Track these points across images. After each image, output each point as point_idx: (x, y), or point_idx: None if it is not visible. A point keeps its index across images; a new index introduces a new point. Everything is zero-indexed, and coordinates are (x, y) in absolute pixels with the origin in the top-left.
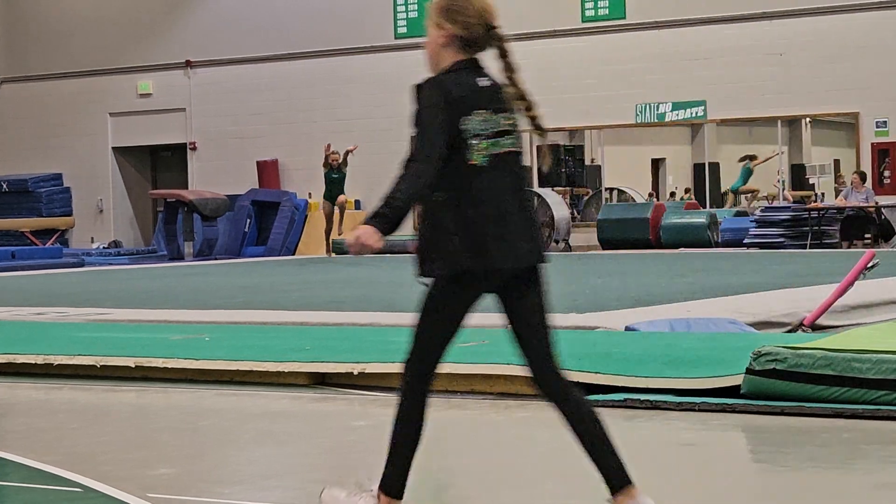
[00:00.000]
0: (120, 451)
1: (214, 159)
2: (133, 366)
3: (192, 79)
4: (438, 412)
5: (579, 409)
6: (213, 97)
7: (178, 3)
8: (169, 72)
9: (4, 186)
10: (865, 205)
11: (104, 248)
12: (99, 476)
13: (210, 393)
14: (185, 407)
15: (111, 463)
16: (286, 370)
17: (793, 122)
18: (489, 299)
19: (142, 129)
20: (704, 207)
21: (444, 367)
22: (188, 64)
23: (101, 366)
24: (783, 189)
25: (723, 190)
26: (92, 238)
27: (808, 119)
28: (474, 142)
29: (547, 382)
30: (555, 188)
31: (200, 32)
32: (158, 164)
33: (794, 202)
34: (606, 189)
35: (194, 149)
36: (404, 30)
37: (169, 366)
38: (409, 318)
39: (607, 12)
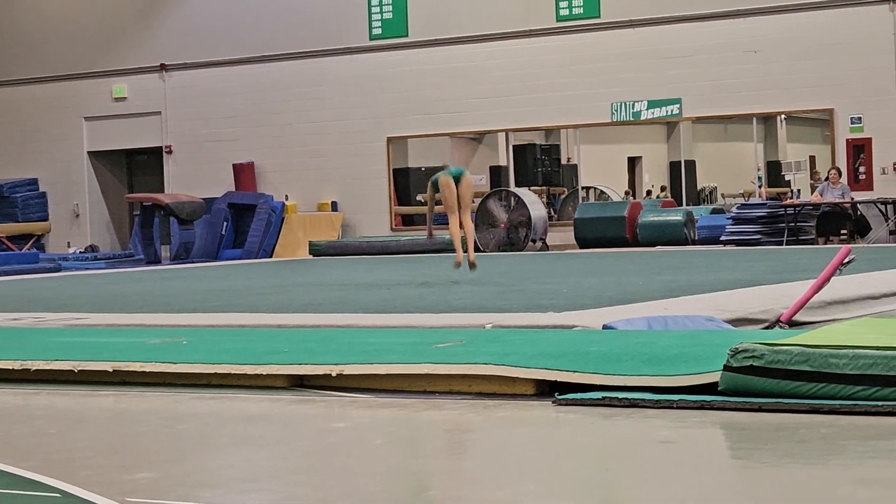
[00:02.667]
0: (98, 455)
1: (190, 162)
2: (111, 370)
3: (167, 82)
4: (417, 413)
5: None
6: (188, 100)
7: (151, 7)
8: (143, 75)
9: None
10: (841, 201)
11: (81, 252)
12: (77, 481)
13: (188, 396)
14: (163, 411)
15: (89, 468)
16: (264, 373)
17: (768, 119)
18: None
19: (117, 133)
20: (681, 205)
21: (423, 368)
22: (163, 67)
23: (79, 370)
24: (759, 186)
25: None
26: (68, 243)
27: (783, 116)
28: None
29: None
30: (531, 187)
31: (174, 36)
32: (134, 167)
33: (769, 199)
34: (583, 188)
35: (170, 152)
36: (379, 31)
37: (146, 370)
38: (387, 319)
39: (582, 11)
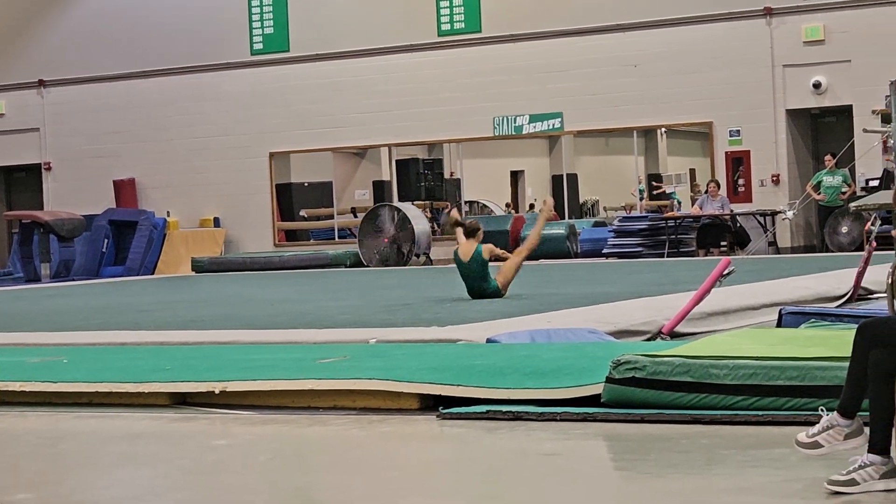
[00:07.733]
0: None
1: (70, 179)
2: None
3: (46, 98)
4: (301, 429)
5: None
6: (68, 116)
7: (29, 22)
8: (21, 91)
9: None
10: (721, 213)
11: None
12: None
13: (69, 416)
14: (44, 431)
15: None
16: (146, 391)
17: (648, 133)
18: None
19: None
20: (563, 219)
21: (306, 384)
22: (41, 83)
23: None
24: (641, 198)
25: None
26: None
27: (663, 129)
28: None
29: None
30: (414, 202)
31: (53, 51)
32: (12, 185)
33: (650, 212)
34: (466, 202)
35: (49, 169)
36: (260, 46)
37: (26, 389)
38: (271, 335)
39: (463, 26)
